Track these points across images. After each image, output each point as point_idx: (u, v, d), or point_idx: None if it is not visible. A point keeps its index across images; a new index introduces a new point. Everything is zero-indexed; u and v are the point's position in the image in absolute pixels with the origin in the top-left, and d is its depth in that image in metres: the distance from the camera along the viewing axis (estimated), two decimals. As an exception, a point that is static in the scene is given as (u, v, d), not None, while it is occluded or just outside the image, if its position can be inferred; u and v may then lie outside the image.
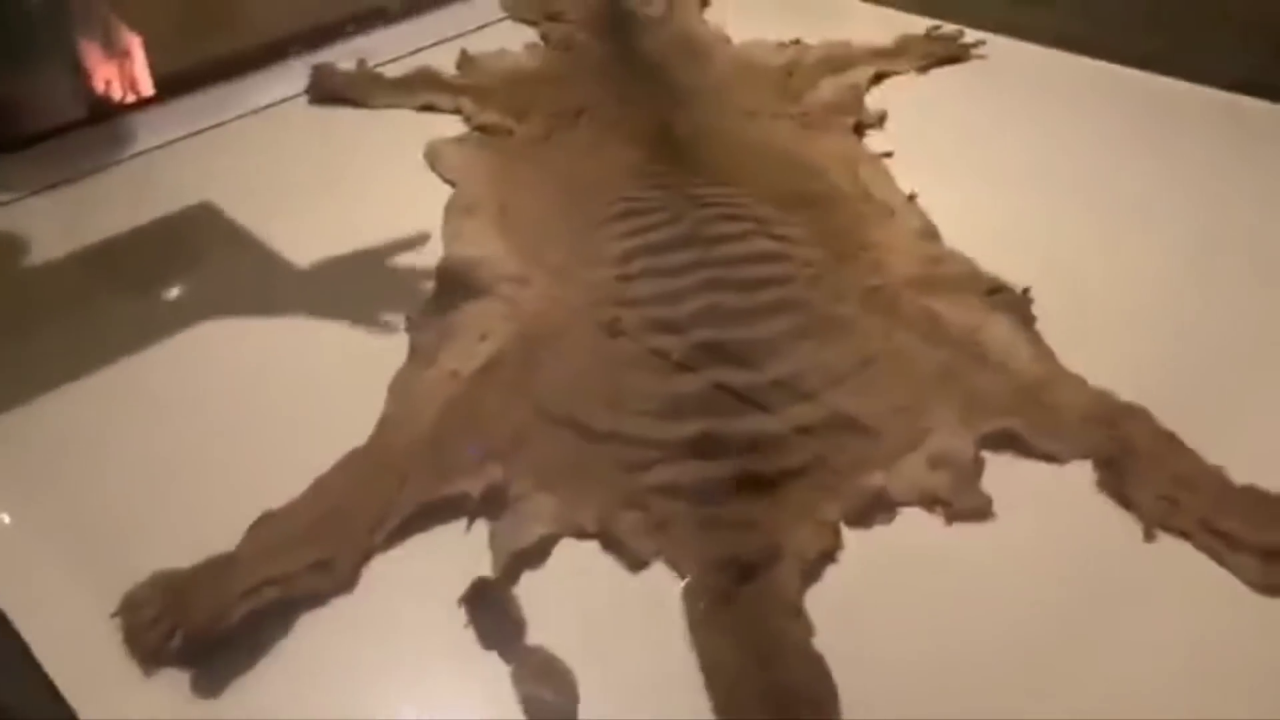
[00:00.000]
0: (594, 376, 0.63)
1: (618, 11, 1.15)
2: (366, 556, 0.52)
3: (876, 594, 0.50)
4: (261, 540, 0.51)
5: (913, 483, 0.55)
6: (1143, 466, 0.55)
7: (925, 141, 0.90)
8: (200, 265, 0.80)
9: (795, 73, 1.02)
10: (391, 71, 1.04)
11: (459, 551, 0.53)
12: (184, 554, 0.51)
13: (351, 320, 0.71)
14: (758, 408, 0.60)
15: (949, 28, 1.08)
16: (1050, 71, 1.04)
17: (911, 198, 0.81)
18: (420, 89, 1.00)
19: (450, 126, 0.95)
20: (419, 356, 0.65)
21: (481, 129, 0.93)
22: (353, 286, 0.75)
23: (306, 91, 1.01)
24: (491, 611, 0.48)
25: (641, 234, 0.76)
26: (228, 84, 1.03)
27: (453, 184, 0.85)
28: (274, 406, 0.64)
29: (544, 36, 1.11)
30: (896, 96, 0.98)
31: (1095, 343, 0.65)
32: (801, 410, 0.60)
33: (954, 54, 1.05)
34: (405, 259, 0.78)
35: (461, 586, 0.50)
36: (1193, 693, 0.46)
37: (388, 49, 1.10)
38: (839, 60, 1.03)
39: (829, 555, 0.51)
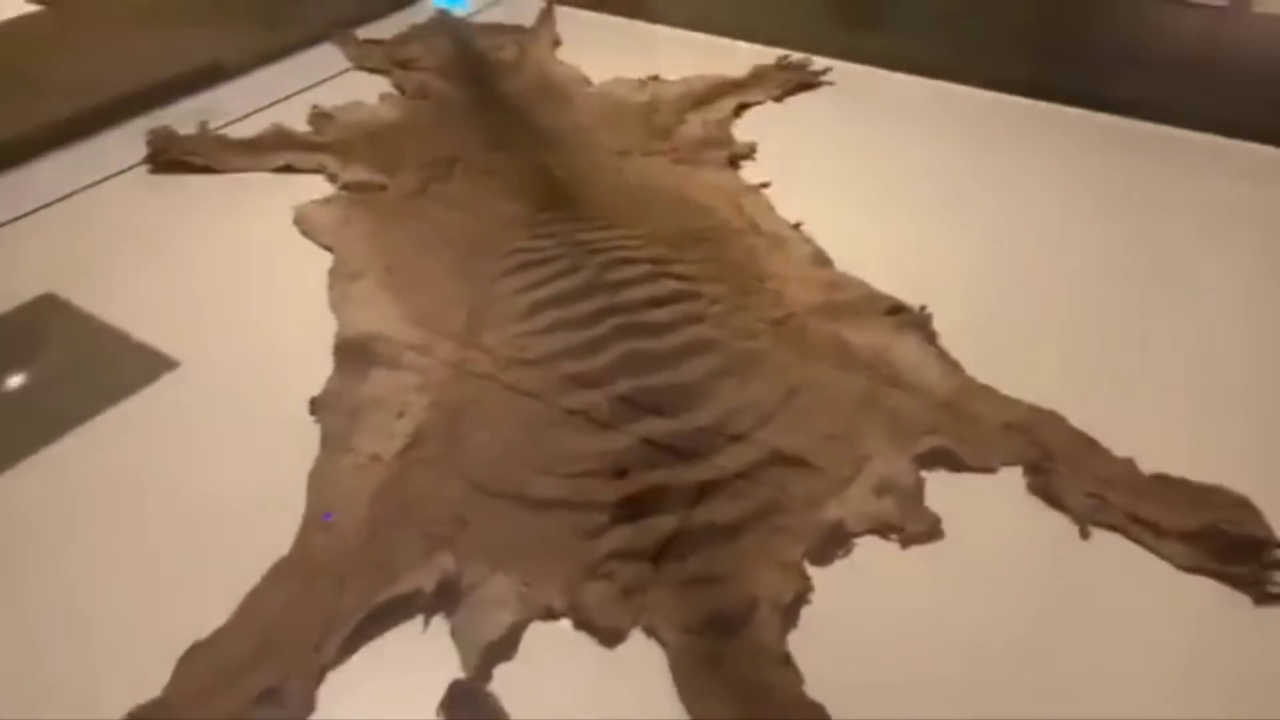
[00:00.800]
0: (522, 443, 0.61)
1: (471, 56, 1.13)
2: (319, 677, 0.47)
3: (852, 627, 0.50)
4: (194, 677, 0.46)
5: (863, 512, 0.56)
6: (1066, 468, 0.58)
7: (795, 168, 0.93)
8: (59, 368, 0.72)
9: (660, 109, 1.03)
10: (238, 131, 0.98)
11: (419, 654, 0.49)
12: (93, 706, 0.45)
13: (244, 412, 0.66)
14: (695, 456, 0.59)
15: (796, 56, 1.12)
16: (893, 93, 1.11)
17: (797, 226, 0.83)
18: (275, 149, 0.93)
19: (315, 187, 0.90)
20: (333, 443, 0.61)
21: (349, 187, 0.88)
22: (241, 372, 0.69)
23: (147, 160, 0.93)
24: (473, 715, 0.45)
25: (543, 285, 0.74)
26: (52, 156, 0.94)
27: (329, 249, 0.81)
28: (170, 520, 0.58)
29: (398, 86, 1.08)
30: (760, 126, 1.01)
31: (993, 351, 0.68)
32: (739, 452, 0.59)
33: (805, 81, 1.10)
34: (294, 335, 0.73)
35: (430, 693, 0.46)
36: (1144, 672, 0.49)
37: (230, 107, 1.04)
38: (699, 94, 1.05)
39: (802, 597, 0.51)
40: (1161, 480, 0.58)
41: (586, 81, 1.09)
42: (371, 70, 1.13)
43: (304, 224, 0.84)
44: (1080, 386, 0.66)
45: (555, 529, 0.55)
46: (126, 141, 0.96)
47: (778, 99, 1.07)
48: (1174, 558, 0.54)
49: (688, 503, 0.56)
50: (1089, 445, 0.61)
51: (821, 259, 0.80)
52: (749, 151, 0.95)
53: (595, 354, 0.67)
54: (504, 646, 0.49)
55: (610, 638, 0.50)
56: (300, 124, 0.99)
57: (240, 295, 0.76)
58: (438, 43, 1.14)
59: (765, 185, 0.90)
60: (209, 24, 1.21)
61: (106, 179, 0.91)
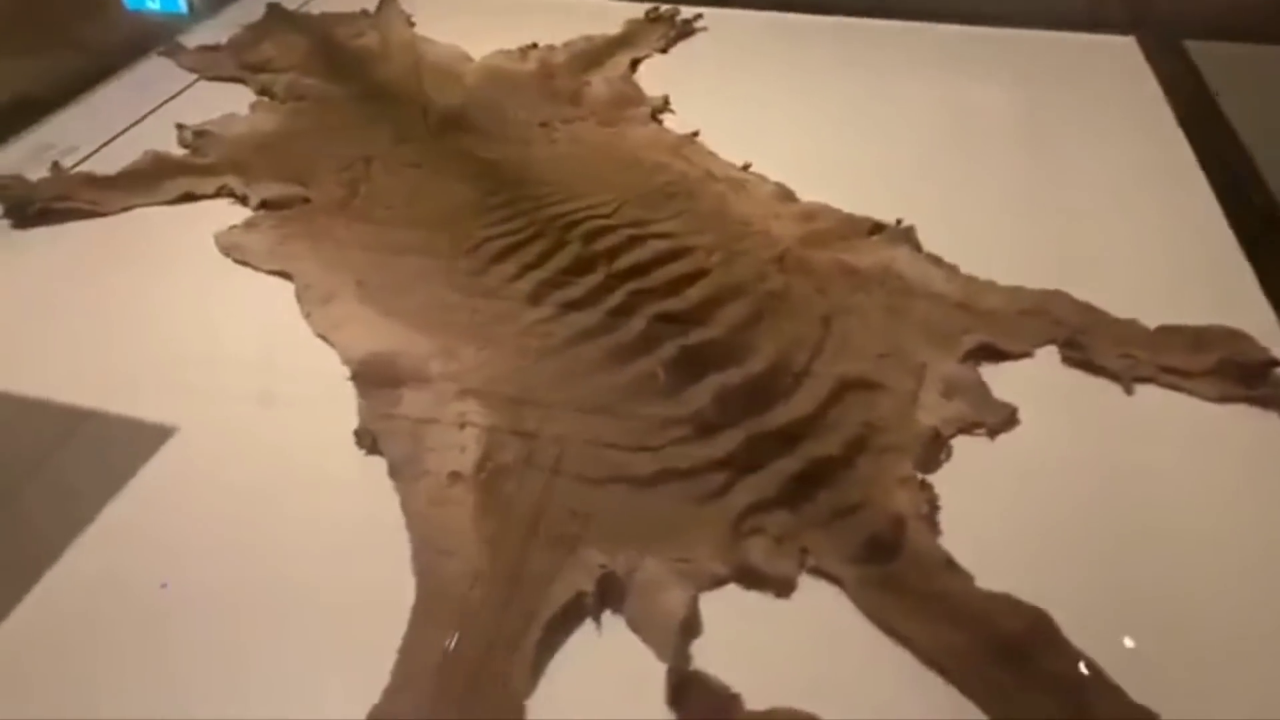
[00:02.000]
0: (597, 426, 0.59)
1: (331, 48, 1.04)
2: (521, 711, 0.44)
3: (981, 522, 0.53)
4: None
5: (945, 416, 0.59)
6: (1090, 337, 0.64)
7: (713, 113, 0.93)
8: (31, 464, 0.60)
9: (555, 75, 1.00)
10: (100, 166, 0.85)
11: (606, 658, 0.47)
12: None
13: (278, 461, 0.58)
14: (771, 400, 0.59)
15: (665, 7, 1.12)
16: (761, 30, 1.14)
17: (746, 167, 0.84)
18: (162, 177, 0.82)
19: (223, 212, 0.80)
20: (405, 471, 0.55)
21: (268, 205, 0.79)
22: (252, 420, 0.61)
23: (4, 215, 0.79)
24: (702, 698, 0.43)
25: (535, 268, 0.71)
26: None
27: (282, 273, 0.73)
28: (252, 603, 0.51)
29: (264, 91, 0.97)
30: (658, 79, 1.01)
31: (967, 248, 0.74)
32: (810, 387, 0.60)
33: (683, 31, 1.10)
34: (285, 372, 0.65)
35: (641, 693, 0.44)
36: (1212, 486, 0.55)
37: (73, 141, 0.90)
38: (589, 55, 1.04)
39: (934, 504, 0.53)
40: (1165, 330, 0.65)
41: (467, 58, 1.04)
42: (220, 78, 1.02)
43: (236, 252, 0.75)
44: (1034, 262, 0.72)
45: (676, 500, 0.54)
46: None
47: (663, 50, 1.08)
48: (1206, 393, 0.61)
49: (789, 444, 0.57)
50: (1095, 313, 0.67)
51: (785, 193, 0.81)
52: (664, 104, 0.95)
53: (622, 326, 0.66)
54: (693, 624, 0.47)
55: (783, 587, 0.49)
56: (171, 146, 0.88)
57: (200, 341, 0.67)
58: (288, 39, 1.04)
59: (695, 134, 0.90)
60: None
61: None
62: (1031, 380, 0.63)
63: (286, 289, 0.72)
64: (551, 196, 0.79)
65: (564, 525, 0.52)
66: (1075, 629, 0.46)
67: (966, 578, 0.49)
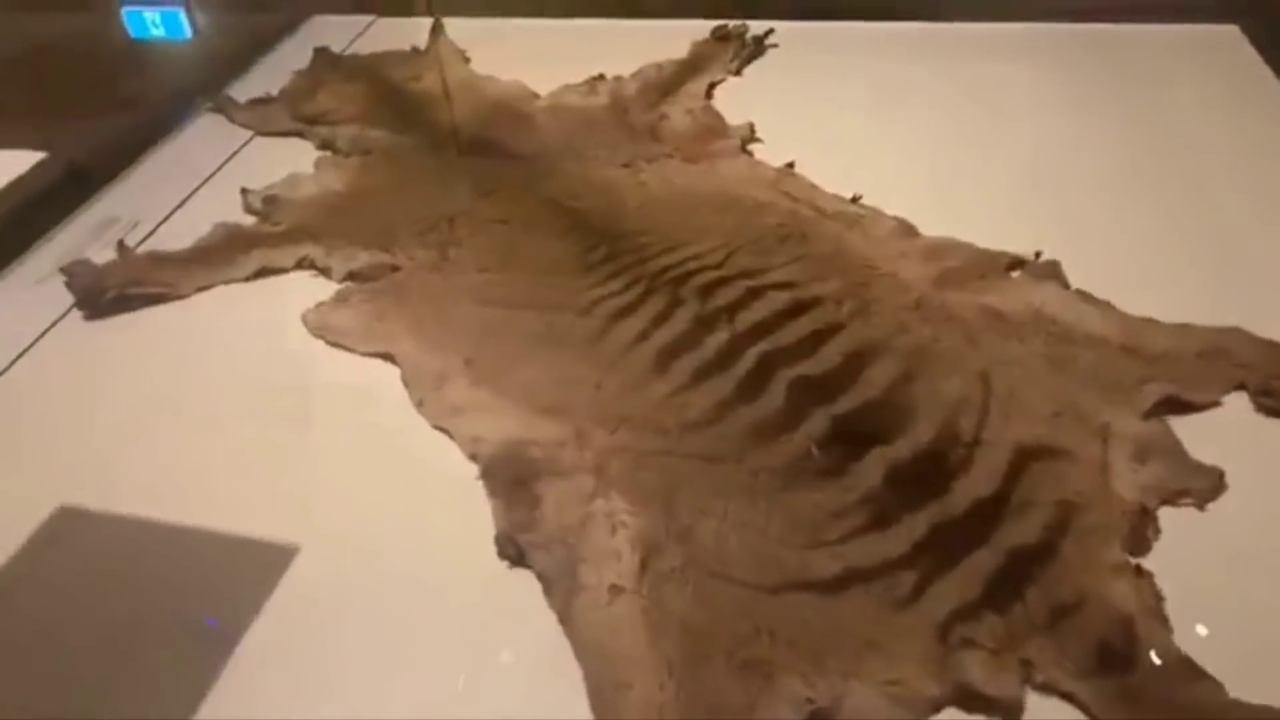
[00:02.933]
0: (760, 520, 0.53)
1: (393, 95, 0.99)
2: None
3: (1213, 614, 0.47)
4: None
5: (1143, 486, 0.53)
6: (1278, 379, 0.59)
7: (804, 140, 0.87)
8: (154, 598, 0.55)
9: (629, 109, 0.94)
10: (166, 243, 0.80)
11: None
12: None
13: (417, 573, 0.53)
14: (946, 475, 0.54)
15: (732, 25, 1.06)
16: (840, 42, 1.08)
17: (855, 199, 0.79)
18: (236, 252, 0.77)
19: (306, 287, 0.75)
20: (560, 586, 0.50)
21: (355, 276, 0.74)
22: (378, 529, 0.57)
23: (78, 305, 0.74)
24: None
25: (654, 332, 0.66)
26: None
27: (383, 355, 0.68)
28: None
29: (326, 145, 0.92)
30: (737, 104, 0.95)
31: (1114, 280, 0.68)
32: (985, 459, 0.55)
33: (755, 50, 1.05)
34: (399, 467, 0.60)
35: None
36: None
37: (134, 215, 0.85)
38: (662, 84, 0.98)
39: (1159, 596, 0.47)
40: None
41: (533, 95, 0.98)
42: (279, 134, 0.97)
43: (327, 333, 0.70)
44: (1192, 293, 0.67)
45: (867, 607, 0.48)
46: (20, 288, 0.78)
47: (737, 73, 1.02)
48: None
49: (981, 531, 0.51)
50: (1272, 350, 0.61)
51: (906, 228, 0.75)
52: (751, 133, 0.89)
53: (761, 393, 0.60)
54: (918, 760, 0.42)
55: (1012, 709, 0.44)
56: (236, 212, 0.83)
57: (302, 438, 0.62)
58: (344, 88, 0.99)
59: (791, 165, 0.85)
60: (26, 120, 1.00)
61: (31, 344, 0.72)
62: (1226, 435, 0.57)
63: (388, 371, 0.67)
64: (653, 247, 0.73)
65: (750, 647, 0.47)
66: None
67: (1215, 685, 0.44)
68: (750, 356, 0.62)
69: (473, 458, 0.59)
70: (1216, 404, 0.58)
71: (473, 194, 0.83)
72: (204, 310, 0.75)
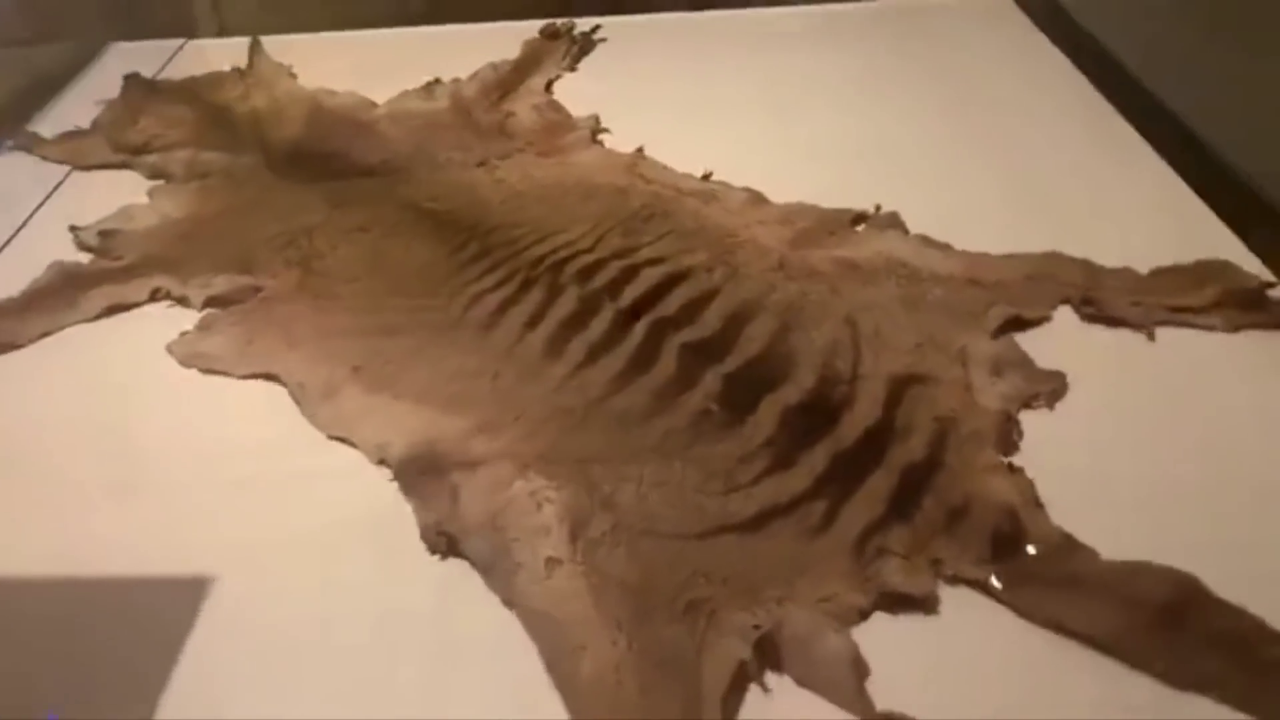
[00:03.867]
0: (676, 475, 0.55)
1: (222, 115, 0.95)
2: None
3: (1073, 487, 0.53)
4: None
5: (1002, 395, 0.59)
6: (1098, 292, 0.66)
7: (644, 128, 0.90)
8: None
9: (471, 109, 0.95)
10: (-7, 292, 0.74)
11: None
12: None
13: (347, 592, 0.52)
14: (834, 411, 0.58)
15: (560, 23, 1.09)
16: (661, 32, 1.13)
17: (706, 177, 0.83)
18: (78, 291, 0.72)
19: (161, 320, 0.71)
20: (497, 568, 0.51)
21: (216, 302, 0.71)
22: (297, 551, 0.55)
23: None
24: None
25: (540, 320, 0.67)
26: None
27: (262, 376, 0.65)
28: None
29: (158, 173, 0.87)
30: (576, 98, 0.97)
31: (941, 224, 0.75)
32: (865, 391, 0.59)
33: (585, 45, 1.07)
34: (298, 482, 0.59)
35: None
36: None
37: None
38: (499, 84, 0.99)
39: (1032, 485, 0.53)
40: (1160, 273, 0.68)
41: (371, 104, 0.97)
42: (96, 167, 0.91)
43: (200, 362, 0.66)
44: (1005, 227, 0.74)
45: (788, 538, 0.52)
46: None
47: (571, 69, 1.04)
48: (1219, 325, 0.64)
49: (874, 455, 0.56)
50: (1092, 267, 0.69)
51: (756, 198, 0.80)
52: (597, 124, 0.92)
53: (654, 363, 0.63)
54: (861, 665, 0.45)
55: (930, 603, 0.49)
56: (69, 254, 0.77)
57: (194, 470, 0.60)
58: (168, 112, 0.93)
59: (640, 150, 0.88)
60: None
61: None
62: (1059, 343, 0.64)
63: (270, 391, 0.65)
64: (525, 239, 0.75)
65: (688, 591, 0.49)
66: (1216, 584, 0.47)
67: (1092, 554, 0.50)
68: (638, 331, 0.65)
69: (381, 462, 0.59)
70: (1048, 318, 0.66)
71: (326, 206, 0.81)
72: (50, 357, 0.70)
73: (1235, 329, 0.64)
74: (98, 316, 0.71)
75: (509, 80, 0.99)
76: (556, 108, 0.94)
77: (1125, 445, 0.57)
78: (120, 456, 0.62)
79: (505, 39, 1.06)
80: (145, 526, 0.57)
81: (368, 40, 1.17)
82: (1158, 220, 0.76)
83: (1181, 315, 0.65)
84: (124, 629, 0.51)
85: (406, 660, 0.49)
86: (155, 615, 0.51)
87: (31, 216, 0.84)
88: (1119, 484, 0.55)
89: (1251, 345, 0.63)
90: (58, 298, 0.72)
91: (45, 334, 0.70)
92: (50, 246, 0.79)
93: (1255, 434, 0.58)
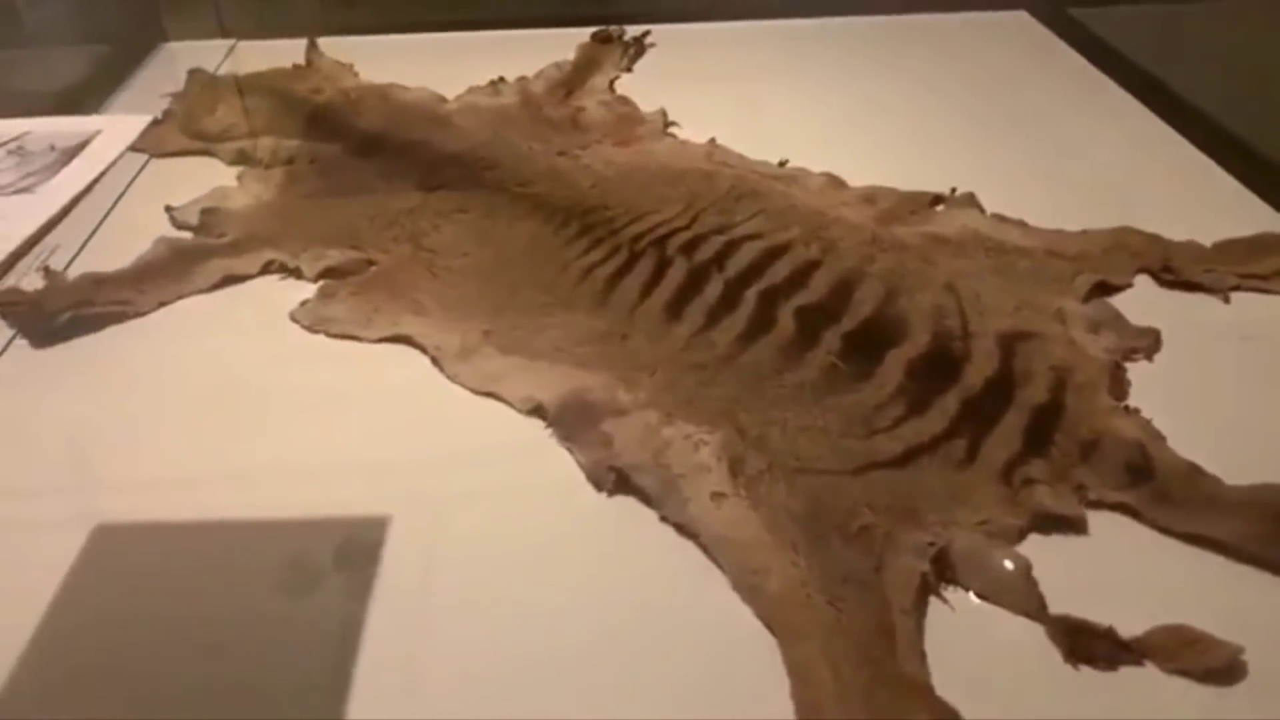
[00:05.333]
0: (818, 419, 0.58)
1: (298, 105, 0.96)
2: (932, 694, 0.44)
3: (1188, 435, 0.57)
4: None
5: (1104, 348, 0.64)
6: (1173, 260, 0.72)
7: (712, 123, 0.94)
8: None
9: (543, 104, 0.98)
10: (85, 266, 0.74)
11: (970, 632, 0.48)
12: None
13: (523, 530, 0.55)
14: (954, 365, 0.62)
15: (612, 29, 1.13)
16: (707, 39, 1.18)
17: (783, 164, 0.87)
18: (192, 264, 0.73)
19: (274, 291, 0.73)
20: (670, 500, 0.53)
21: (331, 274, 0.73)
22: (462, 493, 0.57)
23: (20, 335, 0.67)
24: (1094, 642, 0.45)
25: (653, 289, 0.70)
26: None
27: (394, 339, 0.67)
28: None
29: (242, 159, 0.89)
30: (637, 96, 1.01)
31: (1010, 209, 0.80)
32: (979, 348, 0.63)
33: (638, 49, 1.12)
34: (459, 436, 0.61)
35: (1021, 660, 0.46)
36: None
37: (42, 241, 0.78)
38: (565, 81, 1.02)
39: (1151, 425, 0.57)
40: (1224, 245, 0.74)
41: (441, 99, 0.99)
42: (174, 154, 0.92)
43: (329, 326, 0.68)
44: (1069, 211, 0.79)
45: (936, 472, 0.55)
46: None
47: (628, 69, 1.09)
48: (1285, 290, 0.71)
49: (1003, 399, 0.59)
50: (1162, 240, 0.75)
51: (836, 181, 0.85)
52: (666, 118, 0.96)
53: (773, 324, 0.66)
54: (1033, 576, 0.49)
55: (1079, 524, 0.52)
56: (167, 231, 0.78)
57: (346, 432, 0.61)
58: (243, 103, 0.95)
59: (713, 140, 0.92)
60: None
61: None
62: (1144, 305, 0.69)
63: (402, 354, 0.67)
64: (621, 219, 0.78)
65: (855, 519, 0.52)
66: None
67: (1216, 479, 0.54)
68: (751, 297, 0.68)
69: (532, 413, 0.61)
70: (1130, 284, 0.71)
71: (418, 191, 0.84)
72: (170, 325, 0.70)
73: (1305, 294, 0.70)
74: (212, 288, 0.73)
75: (572, 79, 1.02)
76: (625, 102, 0.98)
77: (1223, 391, 0.63)
78: (260, 422, 0.63)
79: (556, 43, 1.10)
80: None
81: (409, 44, 1.19)
82: (1203, 203, 0.82)
83: (1250, 280, 0.71)
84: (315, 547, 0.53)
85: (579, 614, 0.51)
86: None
87: (117, 202, 0.85)
88: (1223, 427, 0.59)
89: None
90: (169, 271, 0.73)
91: (162, 304, 0.71)
92: (142, 229, 0.79)
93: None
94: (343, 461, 0.59)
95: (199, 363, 0.67)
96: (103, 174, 0.89)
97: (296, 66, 1.06)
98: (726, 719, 0.44)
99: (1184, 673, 0.45)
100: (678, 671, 0.47)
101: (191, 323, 0.70)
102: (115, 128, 0.97)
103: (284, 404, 0.63)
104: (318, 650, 0.48)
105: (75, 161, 0.91)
